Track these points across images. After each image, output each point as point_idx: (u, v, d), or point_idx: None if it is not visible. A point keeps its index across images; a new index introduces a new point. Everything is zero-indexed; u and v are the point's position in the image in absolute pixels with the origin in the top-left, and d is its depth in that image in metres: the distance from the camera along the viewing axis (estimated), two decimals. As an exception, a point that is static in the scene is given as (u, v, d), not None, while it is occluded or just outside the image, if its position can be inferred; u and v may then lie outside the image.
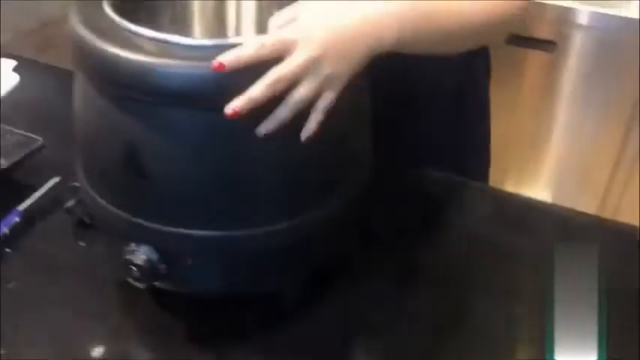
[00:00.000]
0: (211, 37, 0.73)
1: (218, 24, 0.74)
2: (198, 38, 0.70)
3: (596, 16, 1.49)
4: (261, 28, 0.65)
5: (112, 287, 0.70)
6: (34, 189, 0.81)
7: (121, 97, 0.54)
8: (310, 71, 0.51)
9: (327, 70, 0.52)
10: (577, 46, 1.55)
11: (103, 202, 0.61)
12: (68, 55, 0.58)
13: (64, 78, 1.01)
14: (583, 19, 1.51)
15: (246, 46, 0.50)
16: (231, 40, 0.53)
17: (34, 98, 0.80)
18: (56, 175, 0.83)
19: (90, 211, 0.67)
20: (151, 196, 0.57)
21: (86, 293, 0.71)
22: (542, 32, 1.56)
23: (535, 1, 1.47)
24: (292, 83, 0.51)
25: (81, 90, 0.59)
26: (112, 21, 0.56)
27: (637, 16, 1.48)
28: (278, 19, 0.54)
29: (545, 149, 1.71)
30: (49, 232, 0.79)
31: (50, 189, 0.82)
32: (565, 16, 1.52)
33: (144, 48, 0.52)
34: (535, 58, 1.60)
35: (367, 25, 0.54)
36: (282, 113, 0.52)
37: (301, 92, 0.51)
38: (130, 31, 0.54)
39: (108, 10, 0.57)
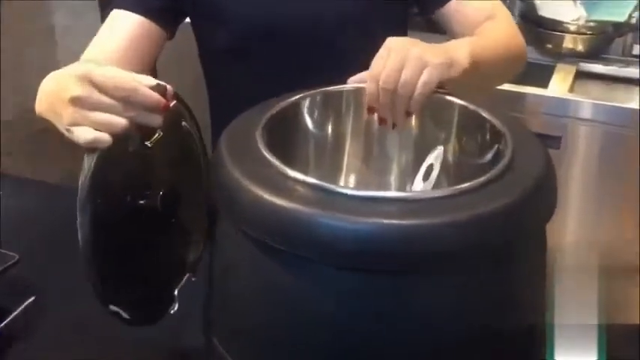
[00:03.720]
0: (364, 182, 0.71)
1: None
2: (362, 189, 0.62)
3: (599, 107, 1.52)
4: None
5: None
6: (10, 306, 0.79)
7: (277, 251, 0.49)
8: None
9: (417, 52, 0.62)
10: (582, 138, 1.55)
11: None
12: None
13: (45, 193, 1.01)
14: (587, 112, 1.53)
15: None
16: (393, 193, 0.57)
17: (14, 214, 0.76)
18: (31, 293, 0.81)
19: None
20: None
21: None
22: (548, 128, 1.55)
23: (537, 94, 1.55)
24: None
25: (229, 240, 0.55)
26: (267, 163, 0.53)
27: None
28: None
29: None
30: (25, 351, 0.76)
31: (25, 308, 0.80)
32: (568, 109, 1.56)
33: (304, 197, 0.48)
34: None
35: (445, 46, 0.68)
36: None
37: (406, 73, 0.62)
38: (288, 177, 0.51)
39: (263, 150, 0.54)
